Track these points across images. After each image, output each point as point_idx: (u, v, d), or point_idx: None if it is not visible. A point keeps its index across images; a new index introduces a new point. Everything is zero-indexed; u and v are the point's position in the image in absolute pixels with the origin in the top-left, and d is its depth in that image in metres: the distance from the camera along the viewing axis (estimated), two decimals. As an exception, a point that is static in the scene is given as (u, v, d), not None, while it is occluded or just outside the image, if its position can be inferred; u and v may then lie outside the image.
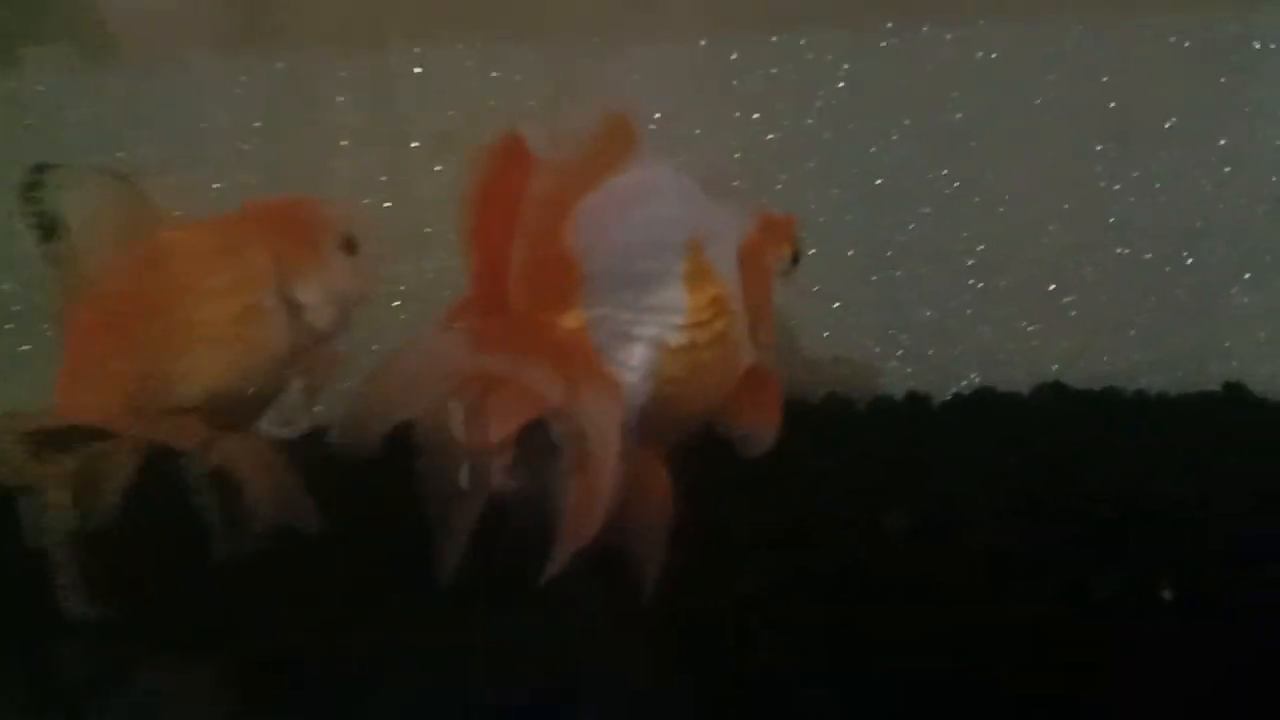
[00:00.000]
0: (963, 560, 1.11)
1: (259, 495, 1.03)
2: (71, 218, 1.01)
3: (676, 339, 0.90)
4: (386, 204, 1.46)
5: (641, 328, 0.90)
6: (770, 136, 1.48)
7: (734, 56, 1.46)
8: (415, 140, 1.46)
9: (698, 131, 1.46)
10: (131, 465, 1.03)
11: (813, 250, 1.43)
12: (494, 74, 1.44)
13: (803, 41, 1.46)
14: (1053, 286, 1.51)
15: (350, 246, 1.14)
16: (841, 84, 1.47)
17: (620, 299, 0.89)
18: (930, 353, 1.53)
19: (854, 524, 1.16)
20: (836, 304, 1.52)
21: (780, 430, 1.01)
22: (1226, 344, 1.50)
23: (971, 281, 1.51)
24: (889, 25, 1.45)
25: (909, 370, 1.53)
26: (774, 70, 1.46)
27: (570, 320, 0.88)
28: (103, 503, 1.01)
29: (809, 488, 1.24)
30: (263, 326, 1.10)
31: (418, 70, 1.45)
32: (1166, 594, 1.03)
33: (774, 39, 1.46)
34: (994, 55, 1.45)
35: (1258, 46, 1.42)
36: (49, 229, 1.01)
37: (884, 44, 1.45)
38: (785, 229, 1.07)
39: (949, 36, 1.45)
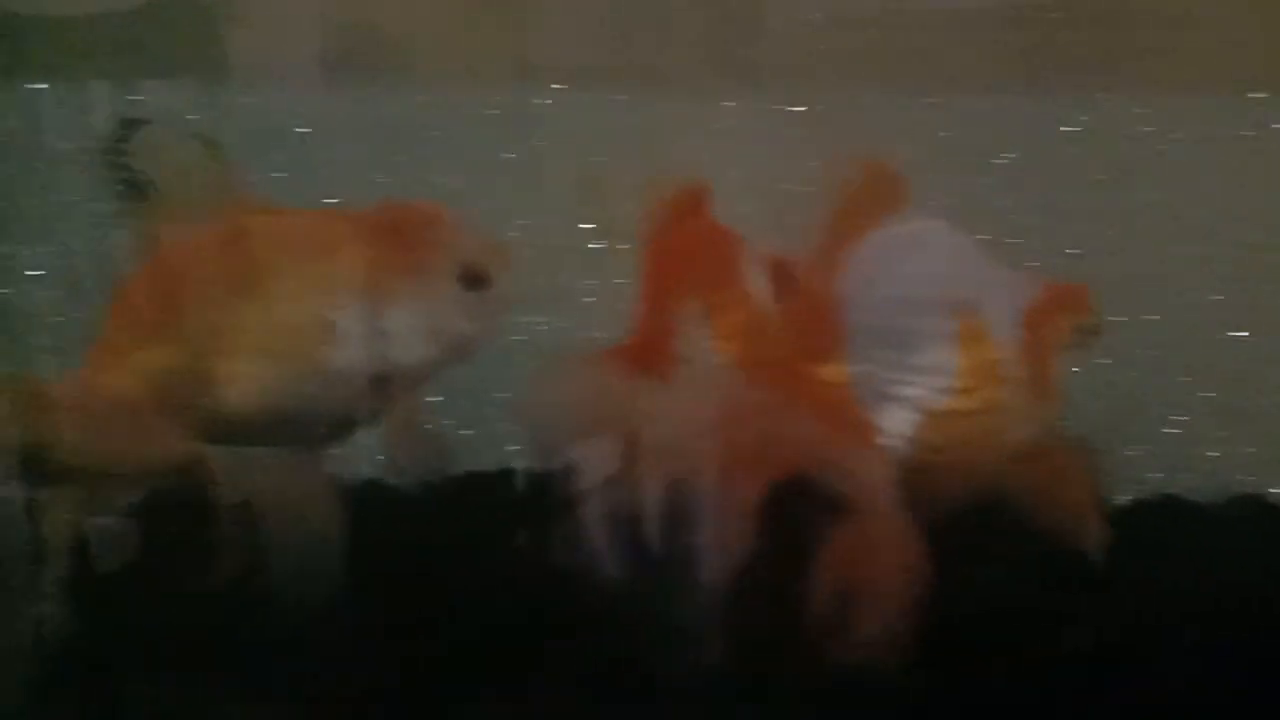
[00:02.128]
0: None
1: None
2: (162, 180, 0.94)
3: (942, 404, 0.87)
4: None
5: (905, 388, 0.87)
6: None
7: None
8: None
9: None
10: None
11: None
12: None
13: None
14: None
15: (476, 280, 0.98)
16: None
17: (884, 356, 0.87)
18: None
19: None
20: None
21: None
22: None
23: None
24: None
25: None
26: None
27: (833, 374, 0.87)
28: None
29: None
30: (329, 345, 0.95)
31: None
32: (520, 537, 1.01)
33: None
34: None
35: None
36: (136, 187, 0.94)
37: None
38: (1078, 297, 0.96)
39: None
